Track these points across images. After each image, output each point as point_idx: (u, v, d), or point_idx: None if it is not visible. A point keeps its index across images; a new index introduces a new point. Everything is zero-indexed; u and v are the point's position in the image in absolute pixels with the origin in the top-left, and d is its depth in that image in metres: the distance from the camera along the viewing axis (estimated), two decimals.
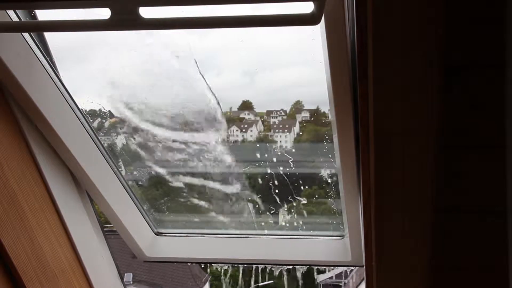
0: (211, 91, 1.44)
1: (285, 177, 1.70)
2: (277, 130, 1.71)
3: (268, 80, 1.41)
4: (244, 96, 1.54)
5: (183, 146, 1.65)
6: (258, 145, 1.72)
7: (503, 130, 0.94)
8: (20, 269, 1.35)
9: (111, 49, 1.43)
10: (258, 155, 1.69)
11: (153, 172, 1.76)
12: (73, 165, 1.47)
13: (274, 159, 1.67)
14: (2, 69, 1.18)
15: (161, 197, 1.83)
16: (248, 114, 1.69)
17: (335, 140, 1.28)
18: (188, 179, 1.78)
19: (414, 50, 0.86)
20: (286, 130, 1.70)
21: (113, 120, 1.62)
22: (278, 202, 1.78)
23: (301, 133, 1.69)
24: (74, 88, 1.39)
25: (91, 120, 1.50)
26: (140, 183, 1.78)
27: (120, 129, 1.64)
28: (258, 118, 1.72)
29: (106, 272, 1.76)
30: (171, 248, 1.81)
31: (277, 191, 1.74)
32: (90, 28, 1.02)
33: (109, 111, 1.60)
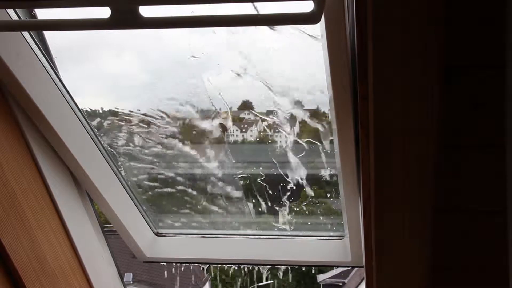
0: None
1: (285, 177, 1.70)
2: (277, 130, 1.70)
3: (268, 80, 1.41)
4: (244, 96, 1.54)
5: (182, 145, 1.65)
6: (258, 145, 1.72)
7: (503, 130, 0.94)
8: (20, 269, 1.35)
9: (111, 48, 1.44)
10: (258, 155, 1.69)
11: (152, 172, 1.76)
12: (73, 165, 1.47)
13: (274, 159, 1.67)
14: (2, 69, 1.18)
15: (160, 197, 1.83)
16: (248, 114, 1.69)
17: (335, 140, 1.28)
18: (187, 179, 1.78)
19: (414, 50, 0.86)
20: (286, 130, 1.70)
21: (113, 119, 1.62)
22: (278, 202, 1.78)
23: (301, 133, 1.69)
24: (74, 88, 1.39)
25: (91, 120, 1.50)
26: (139, 183, 1.78)
27: (121, 128, 1.64)
28: (258, 118, 1.72)
29: (106, 272, 1.76)
30: (171, 248, 1.81)
31: (277, 191, 1.74)
32: (90, 27, 1.02)
33: (109, 110, 1.60)
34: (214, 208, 1.85)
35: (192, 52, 1.34)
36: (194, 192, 1.81)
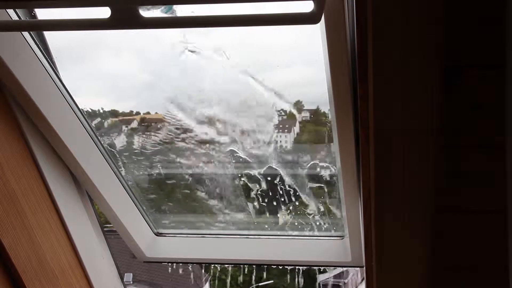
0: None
1: (285, 177, 1.70)
2: (277, 130, 1.70)
3: (268, 80, 1.41)
4: (244, 96, 1.54)
5: (182, 145, 1.65)
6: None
7: (503, 130, 0.94)
8: (20, 269, 1.35)
9: (110, 48, 1.44)
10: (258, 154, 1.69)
11: (152, 172, 1.76)
12: (73, 165, 1.47)
13: (274, 159, 1.67)
14: (2, 69, 1.18)
15: (160, 198, 1.83)
16: None
17: (335, 140, 1.28)
18: (187, 179, 1.78)
19: (414, 50, 0.86)
20: (286, 130, 1.70)
21: (113, 119, 1.62)
22: (278, 202, 1.78)
23: (301, 133, 1.69)
24: (74, 88, 1.39)
25: (91, 120, 1.50)
26: (139, 183, 1.78)
27: (122, 128, 1.64)
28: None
29: (106, 272, 1.76)
30: (171, 248, 1.81)
31: (277, 191, 1.74)
32: (90, 27, 1.02)
33: (110, 110, 1.60)
34: (213, 208, 1.85)
35: (190, 49, 1.34)
36: (193, 192, 1.81)
